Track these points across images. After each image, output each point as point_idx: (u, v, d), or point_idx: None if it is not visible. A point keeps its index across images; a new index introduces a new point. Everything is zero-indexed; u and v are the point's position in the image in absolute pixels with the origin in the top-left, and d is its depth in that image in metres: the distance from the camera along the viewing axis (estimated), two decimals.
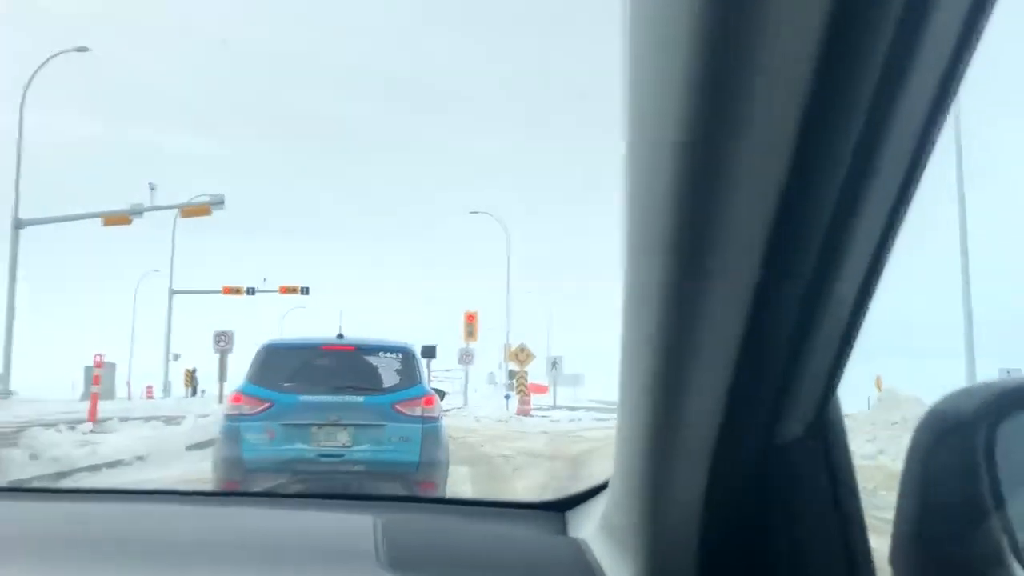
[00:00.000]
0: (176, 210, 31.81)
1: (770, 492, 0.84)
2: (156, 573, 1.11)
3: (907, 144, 0.60)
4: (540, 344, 41.41)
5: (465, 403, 34.09)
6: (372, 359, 8.25)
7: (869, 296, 0.70)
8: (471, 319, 34.92)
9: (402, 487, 7.43)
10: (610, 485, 1.07)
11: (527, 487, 11.49)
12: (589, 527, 1.19)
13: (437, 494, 7.50)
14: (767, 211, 0.60)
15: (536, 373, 33.34)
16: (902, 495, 0.77)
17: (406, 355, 8.35)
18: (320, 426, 7.76)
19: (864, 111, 0.56)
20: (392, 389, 8.05)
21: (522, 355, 32.53)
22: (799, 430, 0.81)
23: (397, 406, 7.85)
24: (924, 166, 0.61)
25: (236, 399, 7.98)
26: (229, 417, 7.90)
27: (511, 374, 41.58)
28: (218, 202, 30.41)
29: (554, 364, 37.08)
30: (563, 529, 1.33)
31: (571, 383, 42.80)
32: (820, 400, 0.80)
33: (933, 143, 0.61)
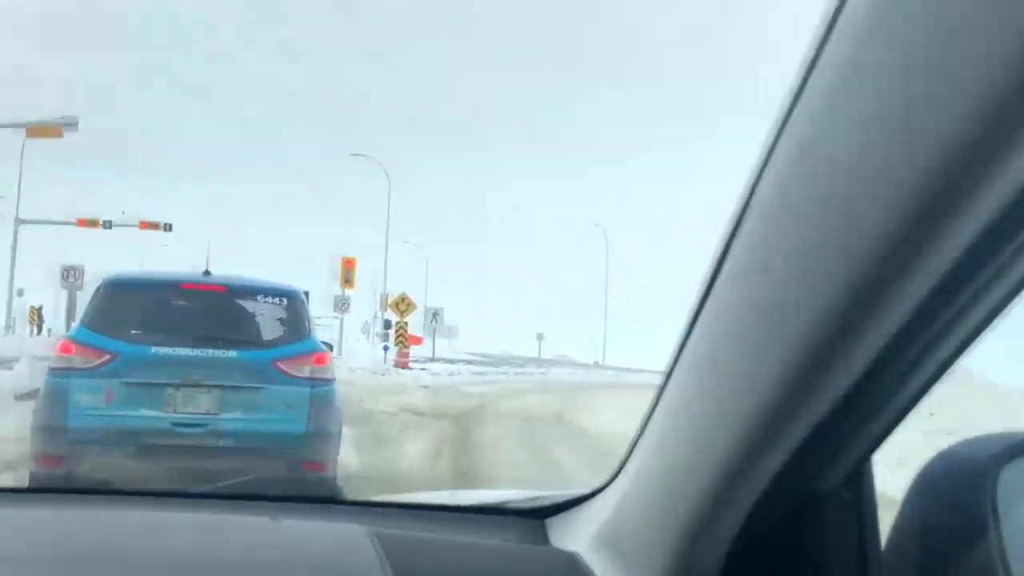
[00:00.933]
0: (22, 129, 28.61)
1: (801, 537, 0.85)
2: None
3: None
4: (418, 295, 40.28)
5: (340, 353, 32.57)
6: (248, 304, 6.68)
7: (940, 377, 0.69)
8: (349, 265, 33.28)
9: (283, 467, 6.07)
10: (620, 500, 1.03)
11: (419, 452, 10.39)
12: (577, 539, 1.16)
13: (326, 475, 6.23)
14: (883, 283, 0.58)
15: (411, 324, 32.15)
16: (900, 533, 0.80)
17: (293, 300, 6.78)
18: (177, 387, 6.15)
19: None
20: (274, 343, 6.52)
21: (403, 305, 31.22)
22: (837, 480, 0.82)
23: (280, 364, 6.34)
24: None
25: (64, 348, 6.20)
26: (55, 372, 6.13)
27: (387, 324, 40.41)
28: (71, 124, 27.60)
29: (434, 316, 36.03)
30: (545, 538, 1.28)
31: (446, 335, 41.85)
32: (864, 455, 0.81)
33: None
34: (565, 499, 1.31)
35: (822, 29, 0.58)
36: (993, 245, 0.55)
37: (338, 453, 6.64)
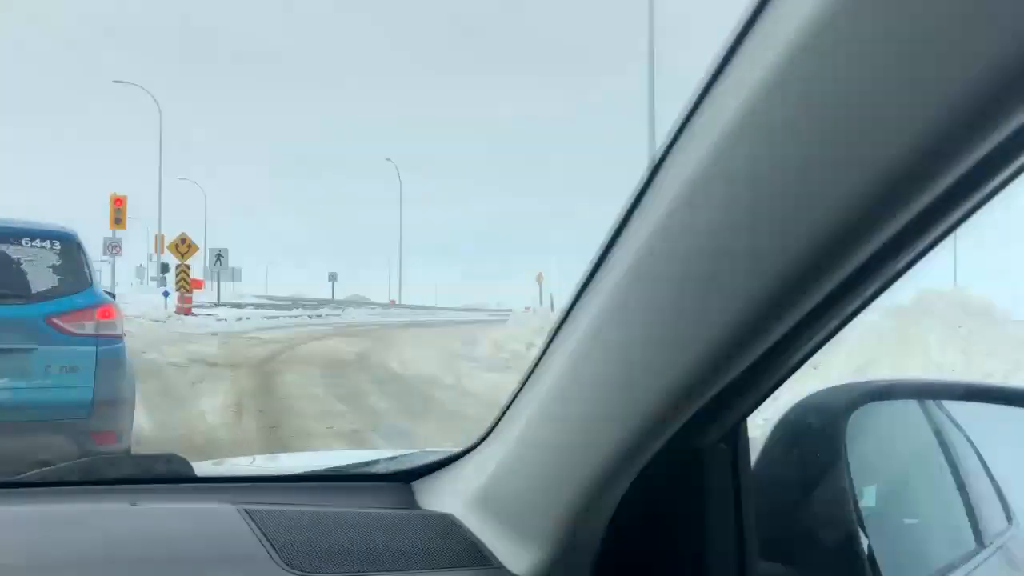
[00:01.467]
0: None
1: (685, 488, 0.90)
2: None
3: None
4: (197, 235, 37.62)
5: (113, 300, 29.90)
6: (10, 250, 5.45)
7: (808, 359, 0.77)
8: (119, 203, 30.43)
9: (67, 442, 5.05)
10: (494, 460, 1.03)
11: (219, 408, 9.47)
12: (450, 501, 1.15)
13: (120, 447, 5.29)
14: (781, 261, 0.62)
15: (192, 267, 30.00)
16: (764, 466, 0.93)
17: (67, 244, 5.61)
18: None
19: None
20: (46, 295, 5.37)
21: (183, 246, 29.01)
22: (717, 436, 0.87)
23: (56, 320, 5.25)
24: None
25: None
26: None
27: (164, 268, 37.66)
28: None
29: (219, 258, 33.83)
30: (414, 502, 1.25)
31: (230, 278, 39.69)
32: (744, 414, 0.86)
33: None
34: (432, 460, 1.28)
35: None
36: (852, 274, 0.63)
37: (132, 421, 5.72)
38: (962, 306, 10.97)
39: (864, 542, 0.91)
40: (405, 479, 1.31)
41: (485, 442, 1.11)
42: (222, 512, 1.13)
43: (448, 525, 1.11)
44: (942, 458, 1.28)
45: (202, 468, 1.38)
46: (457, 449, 1.21)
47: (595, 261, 0.81)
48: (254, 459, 2.70)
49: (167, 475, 1.32)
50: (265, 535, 1.05)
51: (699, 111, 0.65)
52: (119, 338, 5.61)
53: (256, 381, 12.07)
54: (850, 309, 0.70)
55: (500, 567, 1.00)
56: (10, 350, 5.18)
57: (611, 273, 0.78)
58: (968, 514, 1.28)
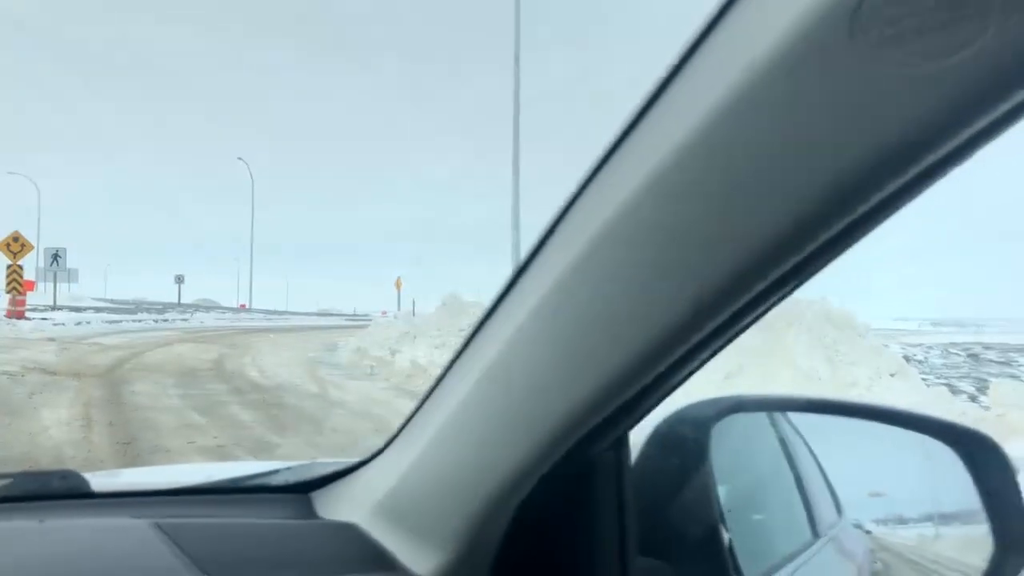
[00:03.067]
0: None
1: (576, 494, 0.96)
2: None
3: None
4: (29, 234, 34.92)
5: None
6: None
7: (690, 377, 0.83)
8: None
9: None
10: (395, 468, 1.08)
11: (63, 422, 8.79)
12: (351, 509, 1.17)
13: None
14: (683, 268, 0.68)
15: (25, 268, 27.87)
16: (642, 471, 1.02)
17: None
18: None
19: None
20: None
21: (15, 245, 26.91)
22: (606, 445, 0.94)
23: None
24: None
25: None
26: None
27: None
28: None
29: (55, 258, 31.61)
30: (313, 512, 1.27)
31: (66, 279, 37.20)
32: (631, 425, 0.92)
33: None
34: (330, 470, 1.31)
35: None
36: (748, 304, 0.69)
37: None
38: (826, 316, 11.56)
39: (725, 536, 1.03)
40: (304, 490, 1.33)
41: (387, 451, 1.14)
42: (133, 527, 1.13)
43: (351, 532, 1.14)
44: (785, 461, 1.47)
45: (98, 482, 1.33)
46: (355, 459, 1.23)
47: (506, 283, 0.85)
48: (144, 471, 2.56)
49: (65, 491, 1.29)
50: (180, 548, 1.06)
51: (627, 141, 0.69)
52: None
53: (103, 391, 11.32)
54: (730, 336, 0.77)
55: (404, 570, 1.04)
56: None
57: (521, 297, 0.83)
58: (806, 509, 1.46)
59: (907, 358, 14.20)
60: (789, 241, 0.63)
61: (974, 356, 24.01)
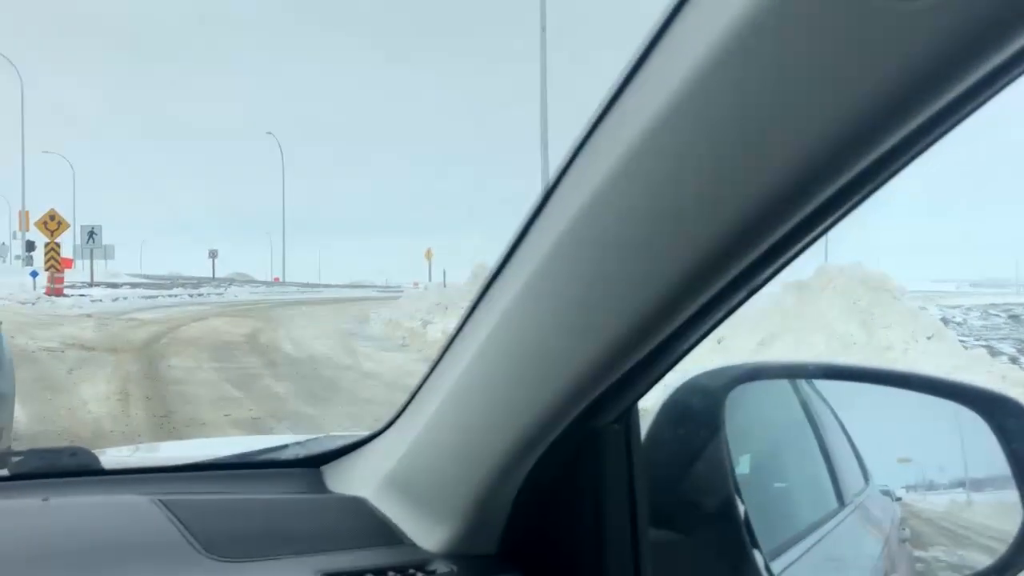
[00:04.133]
0: None
1: (583, 466, 0.96)
2: None
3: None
4: (66, 211, 35.43)
5: None
6: None
7: (712, 329, 0.80)
8: None
9: None
10: (402, 442, 1.08)
11: (102, 396, 8.95)
12: (360, 484, 1.18)
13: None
14: (673, 243, 0.67)
15: (62, 245, 28.28)
16: (653, 443, 1.01)
17: None
18: None
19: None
20: None
21: (52, 223, 27.33)
22: (612, 417, 0.93)
23: None
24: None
25: None
26: None
27: (30, 246, 35.43)
28: None
29: (91, 235, 32.08)
30: (323, 486, 1.27)
31: (102, 256, 37.73)
32: (638, 396, 0.92)
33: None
34: (340, 444, 1.30)
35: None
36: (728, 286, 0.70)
37: (12, 416, 5.24)
38: (861, 280, 11.39)
39: (740, 507, 1.01)
40: (314, 464, 1.33)
41: (395, 425, 1.13)
42: (137, 504, 1.13)
43: (360, 507, 1.14)
44: (809, 429, 1.43)
45: (108, 459, 1.34)
46: (365, 433, 1.23)
47: (508, 249, 0.84)
48: (155, 447, 2.59)
49: (75, 468, 1.29)
50: (183, 524, 1.06)
51: (604, 121, 0.69)
52: None
53: (140, 365, 11.51)
54: (736, 302, 0.76)
55: (412, 544, 1.04)
56: None
57: (523, 263, 0.82)
58: (831, 477, 1.43)
59: (945, 320, 13.98)
60: (783, 203, 0.61)
61: (1015, 317, 23.60)
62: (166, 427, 7.57)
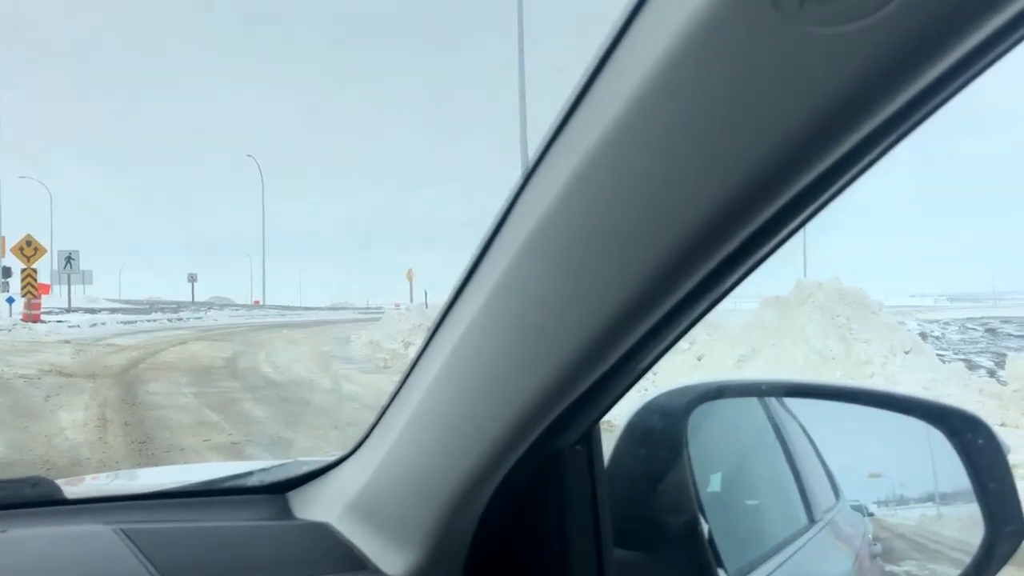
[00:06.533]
0: None
1: (545, 488, 0.95)
2: None
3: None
4: (43, 237, 35.13)
5: None
6: None
7: (677, 342, 0.80)
8: None
9: None
10: (365, 467, 1.08)
11: (80, 423, 8.86)
12: (325, 509, 1.17)
13: None
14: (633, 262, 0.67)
15: (39, 271, 28.03)
16: (616, 464, 1.02)
17: None
18: None
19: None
20: None
21: (28, 249, 27.09)
22: (574, 438, 0.93)
23: None
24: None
25: None
26: None
27: (6, 272, 35.07)
28: None
29: (68, 260, 31.81)
30: (289, 512, 1.26)
31: (80, 281, 37.40)
32: (599, 416, 0.91)
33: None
34: (306, 470, 1.29)
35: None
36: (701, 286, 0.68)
37: None
38: (839, 295, 11.47)
39: (705, 526, 1.01)
40: (280, 490, 1.31)
41: (360, 449, 1.13)
42: (97, 534, 1.12)
43: (324, 533, 1.13)
44: (778, 447, 1.44)
45: (72, 488, 1.33)
46: (331, 458, 1.23)
47: (467, 269, 0.84)
48: (120, 475, 2.57)
49: (37, 499, 1.27)
50: (143, 553, 1.05)
51: (568, 125, 0.68)
52: None
53: (118, 391, 11.41)
54: (689, 320, 0.75)
55: (376, 571, 1.03)
56: None
57: (480, 283, 0.82)
58: (801, 494, 1.44)
59: (924, 335, 14.10)
60: (732, 216, 0.61)
61: (992, 331, 23.85)
62: (144, 453, 7.49)
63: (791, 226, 0.65)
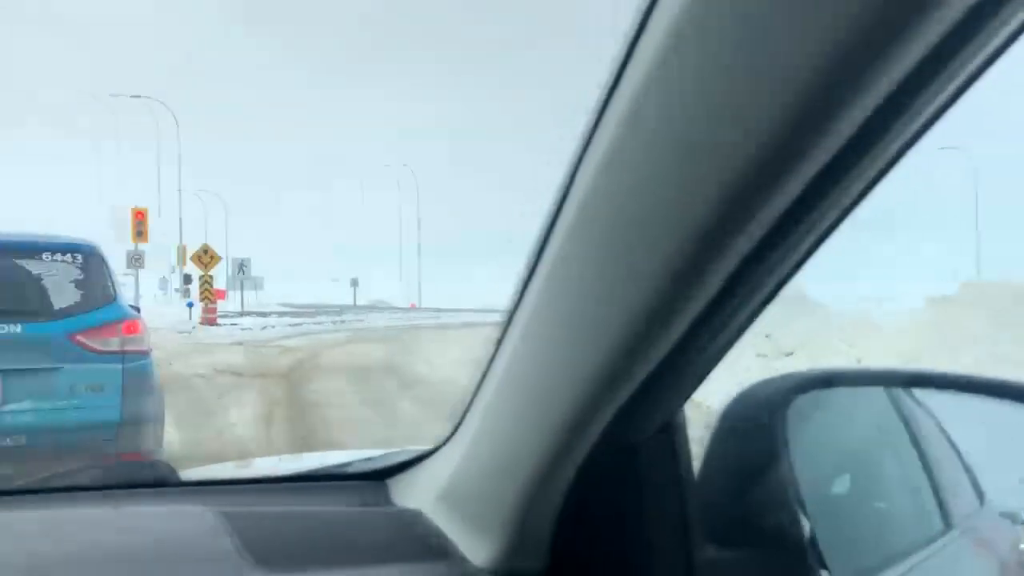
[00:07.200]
0: None
1: (625, 482, 0.94)
2: None
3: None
4: (218, 245, 37.64)
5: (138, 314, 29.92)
6: (29, 265, 5.30)
7: (749, 326, 0.78)
8: (140, 216, 30.48)
9: (94, 461, 4.91)
10: (456, 455, 1.09)
11: (248, 419, 9.39)
12: (420, 497, 1.20)
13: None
14: (693, 239, 0.65)
15: (215, 278, 30.05)
16: (711, 463, 0.98)
17: (89, 257, 5.48)
18: None
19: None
20: (69, 311, 5.27)
21: (206, 257, 29.06)
22: (652, 430, 0.91)
23: (79, 337, 5.15)
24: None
25: None
26: None
27: (187, 279, 37.75)
28: None
29: (241, 267, 33.93)
30: (388, 499, 1.29)
31: (252, 287, 39.72)
32: (677, 405, 0.91)
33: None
34: (405, 458, 1.31)
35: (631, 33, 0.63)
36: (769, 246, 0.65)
37: (162, 439, 5.56)
38: (1012, 295, 10.64)
39: (806, 525, 0.95)
40: (380, 477, 1.34)
41: (454, 437, 1.14)
42: (199, 515, 1.18)
43: (415, 520, 1.15)
44: (907, 442, 1.33)
45: (188, 473, 1.43)
46: (430, 446, 1.24)
47: (532, 256, 0.83)
48: (232, 464, 2.74)
49: (151, 480, 1.39)
50: (239, 535, 1.09)
51: (605, 111, 0.68)
52: (145, 354, 5.50)
53: (284, 390, 12.04)
54: (753, 304, 0.73)
55: (462, 559, 1.04)
56: (33, 370, 5.07)
57: (541, 270, 0.82)
58: (936, 497, 1.33)
59: None
60: (757, 190, 0.60)
61: None
62: (304, 448, 7.87)
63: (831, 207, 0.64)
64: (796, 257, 0.69)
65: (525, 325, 0.86)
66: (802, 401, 1.04)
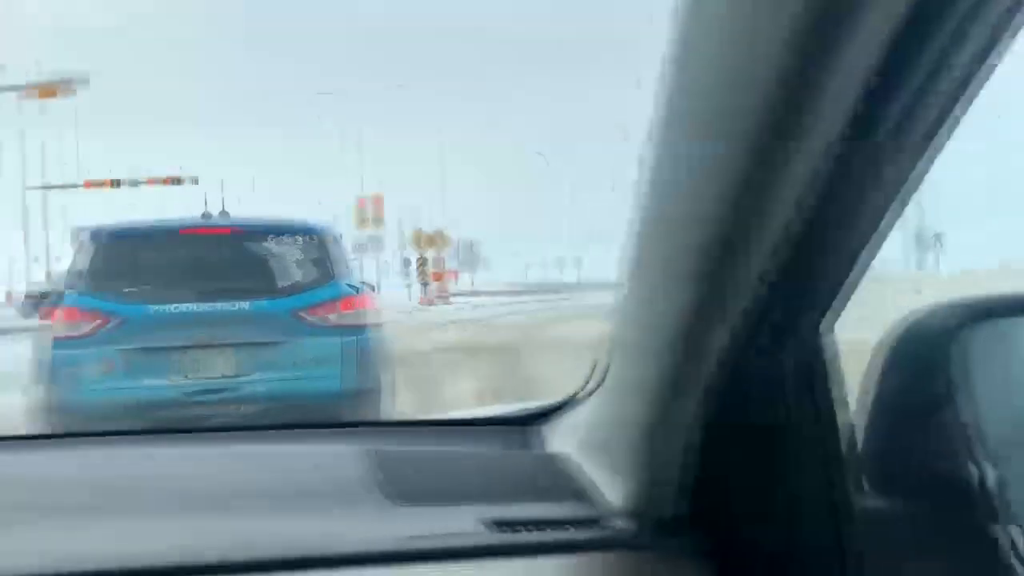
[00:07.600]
0: (34, 90, 27.90)
1: (770, 425, 0.89)
2: (147, 520, 1.09)
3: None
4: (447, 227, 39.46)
5: (377, 292, 32.23)
6: (259, 247, 5.81)
7: (876, 252, 0.76)
8: (378, 202, 32.49)
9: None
10: (599, 400, 1.11)
11: (457, 394, 9.82)
12: (567, 441, 1.22)
13: None
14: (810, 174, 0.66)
15: (446, 259, 31.63)
16: (868, 401, 0.89)
17: (314, 237, 5.92)
18: (185, 350, 5.38)
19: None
20: (293, 289, 5.72)
21: (439, 240, 30.65)
22: (796, 353, 0.86)
23: (302, 313, 5.59)
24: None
25: (50, 314, 5.45)
26: (48, 342, 5.36)
27: (422, 260, 39.87)
28: (83, 80, 26.88)
29: (470, 248, 35.37)
30: (539, 444, 1.31)
31: (481, 267, 41.31)
32: (817, 326, 0.85)
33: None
34: (550, 406, 1.34)
35: None
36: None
37: (389, 407, 5.86)
38: None
39: (991, 473, 0.82)
40: (525, 423, 1.36)
41: (594, 386, 1.16)
42: (346, 453, 1.25)
43: (556, 462, 1.17)
44: None
45: (341, 415, 1.60)
46: (574, 393, 1.27)
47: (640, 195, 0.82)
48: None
49: (305, 421, 1.62)
50: (382, 472, 1.14)
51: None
52: (362, 328, 5.86)
53: (492, 367, 12.41)
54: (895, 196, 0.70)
55: (600, 500, 1.05)
56: (261, 344, 5.58)
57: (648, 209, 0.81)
58: None
59: None
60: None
61: None
62: None
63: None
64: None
65: (640, 274, 0.85)
66: (980, 331, 0.90)
